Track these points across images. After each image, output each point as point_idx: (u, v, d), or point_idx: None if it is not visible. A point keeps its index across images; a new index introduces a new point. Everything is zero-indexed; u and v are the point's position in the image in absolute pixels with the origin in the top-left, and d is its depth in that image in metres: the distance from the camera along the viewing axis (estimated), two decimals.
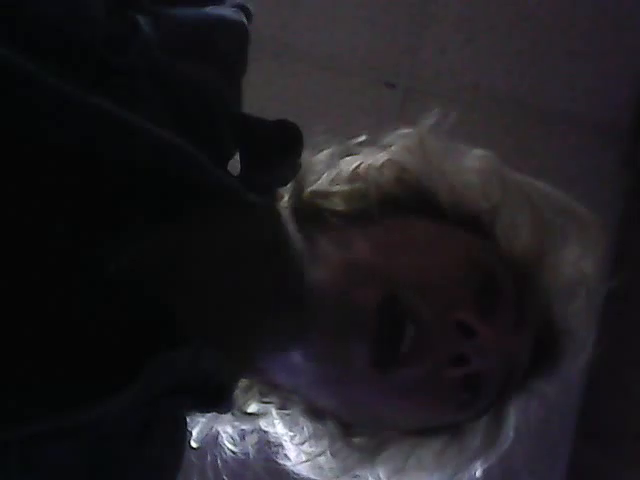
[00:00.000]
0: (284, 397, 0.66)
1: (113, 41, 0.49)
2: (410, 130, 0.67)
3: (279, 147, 0.57)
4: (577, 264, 0.65)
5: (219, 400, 0.55)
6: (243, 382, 0.65)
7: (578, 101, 1.72)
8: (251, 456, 0.70)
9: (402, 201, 0.64)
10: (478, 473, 0.68)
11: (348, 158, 0.67)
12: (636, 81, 1.72)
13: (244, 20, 0.62)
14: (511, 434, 0.67)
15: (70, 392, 0.46)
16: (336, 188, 0.65)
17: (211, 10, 0.61)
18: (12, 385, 0.45)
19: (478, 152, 0.67)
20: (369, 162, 0.66)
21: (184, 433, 0.58)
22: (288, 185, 0.63)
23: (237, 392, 0.62)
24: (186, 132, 0.51)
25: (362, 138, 0.69)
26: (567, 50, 1.71)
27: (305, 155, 0.62)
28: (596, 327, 0.67)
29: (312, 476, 0.69)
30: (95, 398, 0.45)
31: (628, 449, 1.52)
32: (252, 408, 0.67)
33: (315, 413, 0.65)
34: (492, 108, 1.72)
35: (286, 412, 0.66)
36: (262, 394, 0.66)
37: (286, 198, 0.65)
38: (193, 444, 0.65)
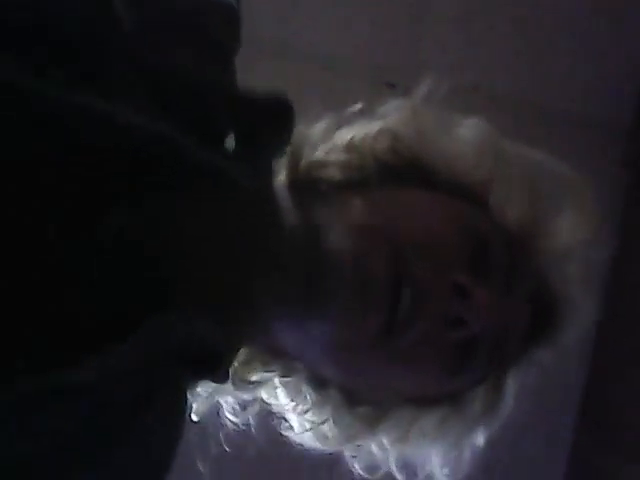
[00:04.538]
0: (287, 365, 0.65)
1: (96, 38, 0.50)
2: (403, 100, 0.68)
3: (271, 118, 0.58)
4: (572, 231, 0.65)
5: (216, 368, 0.55)
6: (244, 353, 0.65)
7: (578, 101, 1.72)
8: (253, 427, 0.69)
9: (397, 170, 0.64)
10: (481, 442, 0.67)
11: (343, 129, 0.68)
12: (636, 81, 1.72)
13: (233, 2, 0.62)
14: (511, 402, 0.66)
15: (62, 353, 0.45)
16: (332, 158, 0.65)
17: None
18: (2, 344, 0.44)
19: (471, 121, 0.67)
20: (364, 132, 0.66)
21: (184, 405, 0.58)
22: (283, 157, 0.63)
23: (238, 363, 0.63)
24: (175, 117, 0.51)
25: (356, 108, 0.69)
26: (567, 50, 1.71)
27: (300, 128, 0.62)
28: (596, 296, 0.66)
29: (316, 445, 0.68)
30: (87, 355, 0.45)
31: (628, 443, 1.51)
32: (254, 377, 0.67)
33: (318, 381, 0.65)
34: (492, 108, 1.71)
35: (289, 380, 0.66)
36: (264, 363, 0.66)
37: (283, 171, 0.65)
38: (194, 417, 0.64)
